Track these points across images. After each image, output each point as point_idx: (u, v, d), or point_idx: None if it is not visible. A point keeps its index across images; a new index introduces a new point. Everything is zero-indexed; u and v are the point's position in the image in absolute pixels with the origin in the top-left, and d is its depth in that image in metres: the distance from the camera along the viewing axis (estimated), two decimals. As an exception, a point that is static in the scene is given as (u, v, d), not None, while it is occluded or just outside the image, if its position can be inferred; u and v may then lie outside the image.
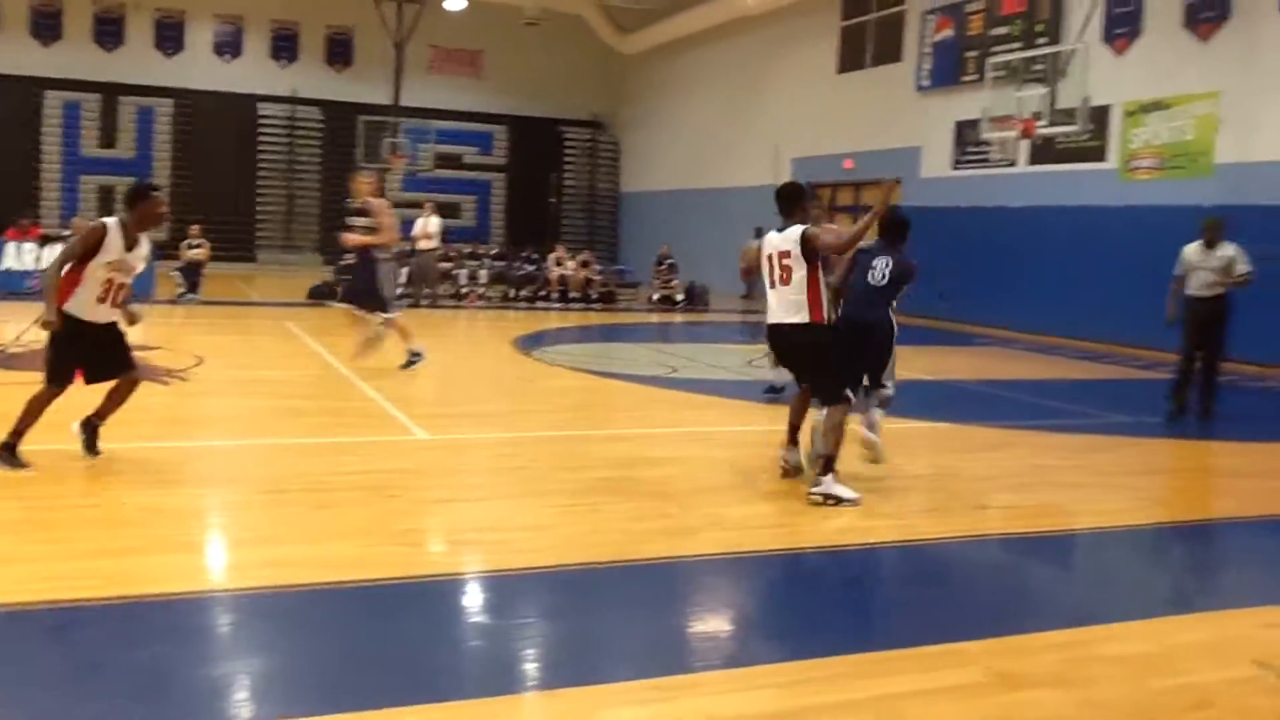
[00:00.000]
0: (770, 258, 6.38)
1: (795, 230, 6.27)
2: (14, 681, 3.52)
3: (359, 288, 10.51)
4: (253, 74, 28.69)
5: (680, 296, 21.36)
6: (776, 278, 6.35)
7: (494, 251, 24.83)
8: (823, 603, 4.86)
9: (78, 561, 4.68)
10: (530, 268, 21.97)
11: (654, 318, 19.25)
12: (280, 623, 4.24)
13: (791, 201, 6.43)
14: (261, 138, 28.82)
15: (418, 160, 26.43)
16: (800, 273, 6.22)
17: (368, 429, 8.10)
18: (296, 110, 28.98)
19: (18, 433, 6.11)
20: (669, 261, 21.87)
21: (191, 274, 17.66)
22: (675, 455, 7.48)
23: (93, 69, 27.36)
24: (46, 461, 6.17)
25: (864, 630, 4.54)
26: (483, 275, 21.49)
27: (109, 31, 27.87)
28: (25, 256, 17.12)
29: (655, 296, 21.50)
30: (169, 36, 28.34)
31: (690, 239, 24.66)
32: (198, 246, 17.91)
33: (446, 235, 20.99)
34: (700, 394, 9.38)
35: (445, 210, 25.39)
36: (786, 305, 6.32)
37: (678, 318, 19.98)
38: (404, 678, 3.69)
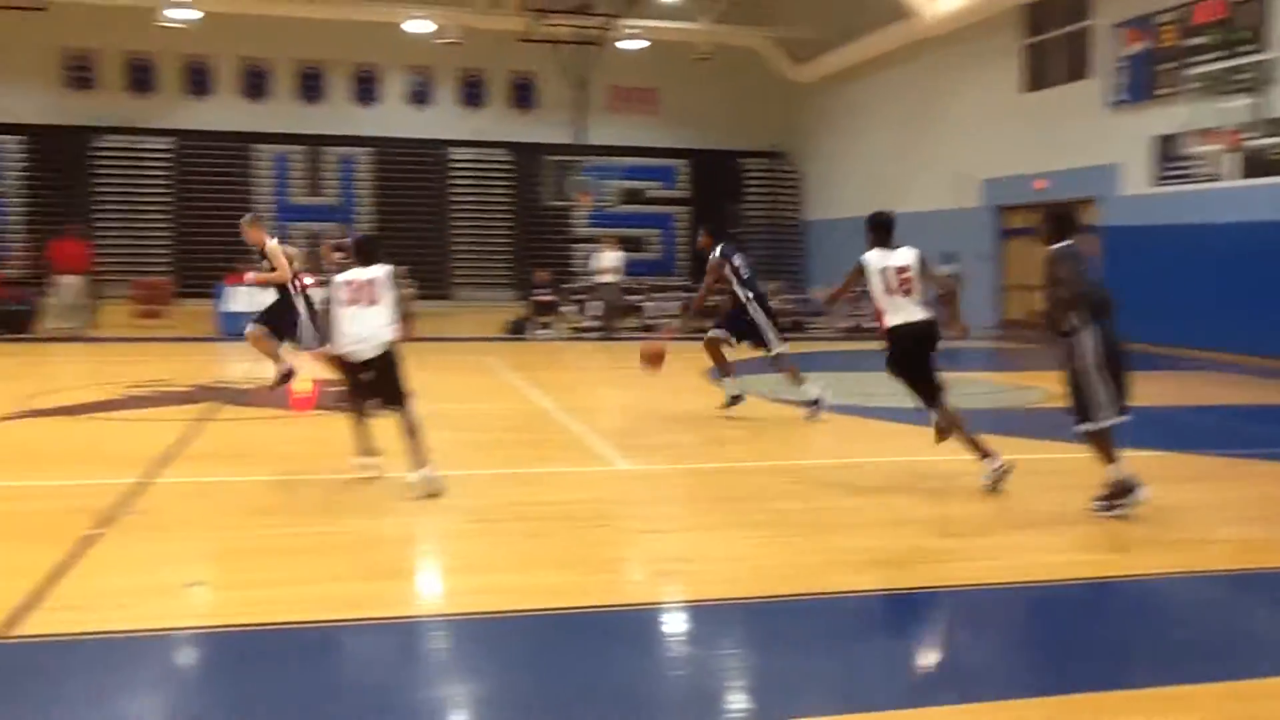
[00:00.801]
0: (885, 272, 7.45)
1: (910, 251, 7.52)
2: (260, 699, 3.78)
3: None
4: (443, 120, 29.94)
5: (869, 324, 21.03)
6: (898, 288, 7.39)
7: (679, 283, 25.10)
8: (1038, 640, 4.72)
9: (306, 587, 4.97)
10: (717, 299, 22.04)
11: (844, 346, 19.06)
12: (494, 648, 4.39)
13: (891, 228, 7.70)
14: (452, 180, 29.99)
15: (602, 196, 27.05)
16: (920, 284, 7.42)
17: (569, 460, 8.32)
18: (484, 153, 30.07)
19: None
20: (856, 289, 21.59)
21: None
22: (876, 485, 7.40)
23: (298, 122, 29.10)
24: (289, 492, 6.59)
25: (1083, 670, 4.38)
26: (666, 307, 21.74)
27: (311, 87, 29.59)
28: (246, 299, 18.33)
29: (845, 325, 21.28)
30: (365, 89, 29.88)
31: (874, 266, 24.35)
32: (401, 287, 18.78)
33: (627, 269, 21.42)
34: (899, 423, 9.25)
35: (629, 244, 25.87)
36: (916, 307, 7.38)
37: (869, 345, 19.72)
38: (613, 707, 3.78)
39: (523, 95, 30.56)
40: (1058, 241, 6.52)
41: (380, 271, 7.20)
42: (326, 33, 28.00)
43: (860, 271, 7.68)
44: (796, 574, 5.32)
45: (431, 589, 5.33)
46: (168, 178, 28.65)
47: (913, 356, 7.35)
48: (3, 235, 26.87)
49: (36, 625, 4.37)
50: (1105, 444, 6.36)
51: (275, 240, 10.17)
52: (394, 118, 29.68)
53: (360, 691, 3.88)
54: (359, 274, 7.20)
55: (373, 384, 7.08)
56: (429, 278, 22.59)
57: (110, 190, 28.28)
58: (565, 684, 3.95)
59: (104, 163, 28.16)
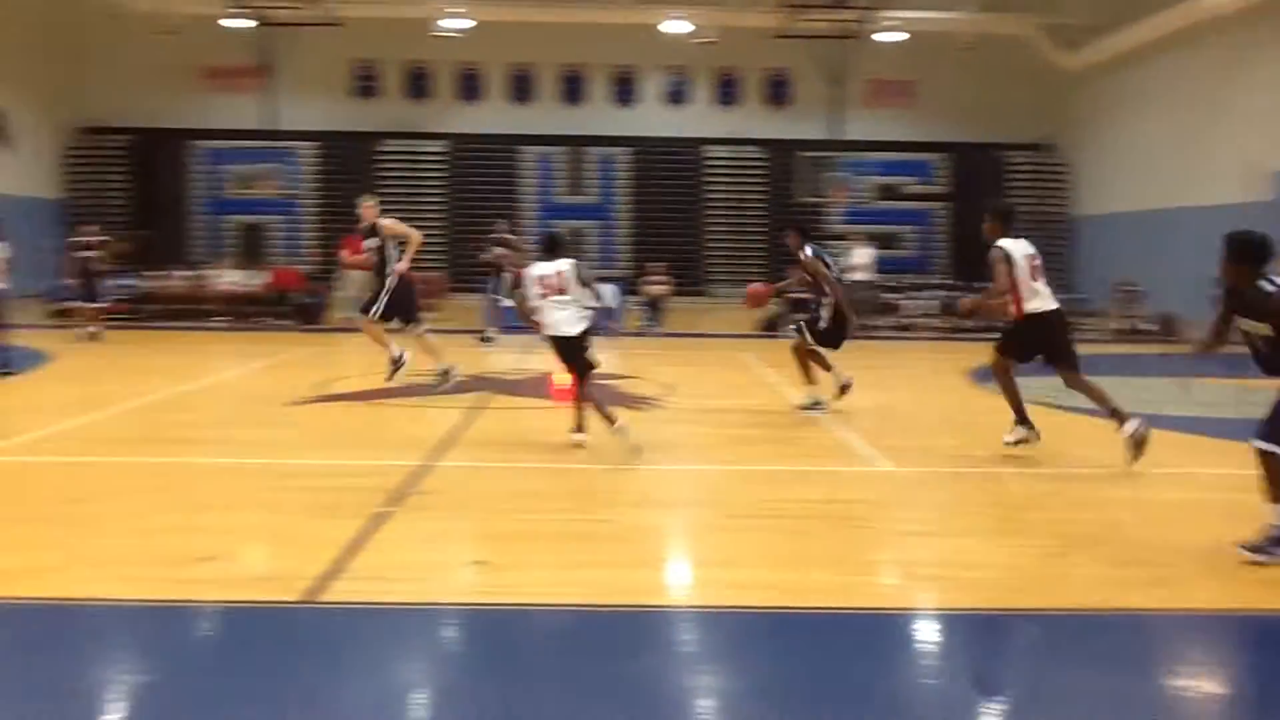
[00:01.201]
0: (1026, 258, 7.84)
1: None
2: (532, 677, 3.99)
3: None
4: (698, 119, 30.33)
5: (1146, 326, 19.89)
6: (1034, 275, 7.84)
7: (937, 281, 24.47)
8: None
9: (565, 571, 5.19)
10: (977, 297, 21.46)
11: (1117, 349, 18.08)
12: (750, 643, 4.45)
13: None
14: (707, 178, 30.33)
15: (857, 193, 26.72)
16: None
17: (830, 459, 8.30)
18: (739, 150, 30.25)
19: None
20: (1130, 289, 20.48)
21: (654, 308, 19.01)
22: (1153, 498, 7.01)
23: (560, 124, 30.20)
24: (558, 480, 6.89)
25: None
26: (924, 306, 21.25)
27: (573, 90, 30.63)
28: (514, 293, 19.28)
29: (1118, 326, 20.18)
30: (624, 90, 30.66)
31: (1152, 263, 22.93)
32: (658, 283, 19.24)
33: (880, 267, 21.07)
34: (1176, 431, 8.71)
35: (884, 241, 25.44)
36: (1048, 294, 7.88)
37: (1144, 348, 18.63)
38: (864, 709, 3.77)
39: (777, 92, 30.53)
40: None
41: (566, 265, 8.11)
42: (587, 36, 28.91)
43: (1008, 260, 7.79)
44: (1064, 587, 5.13)
45: (691, 581, 5.45)
46: (442, 178, 30.35)
47: (1043, 344, 7.91)
48: (297, 234, 29.25)
49: (339, 593, 4.77)
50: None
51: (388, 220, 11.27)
52: (651, 117, 30.31)
53: (619, 678, 4.03)
54: (547, 268, 8.12)
55: (573, 361, 8.09)
56: (685, 274, 22.92)
57: (391, 191, 30.23)
58: (820, 683, 3.98)
59: (386, 166, 30.11)
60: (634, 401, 10.49)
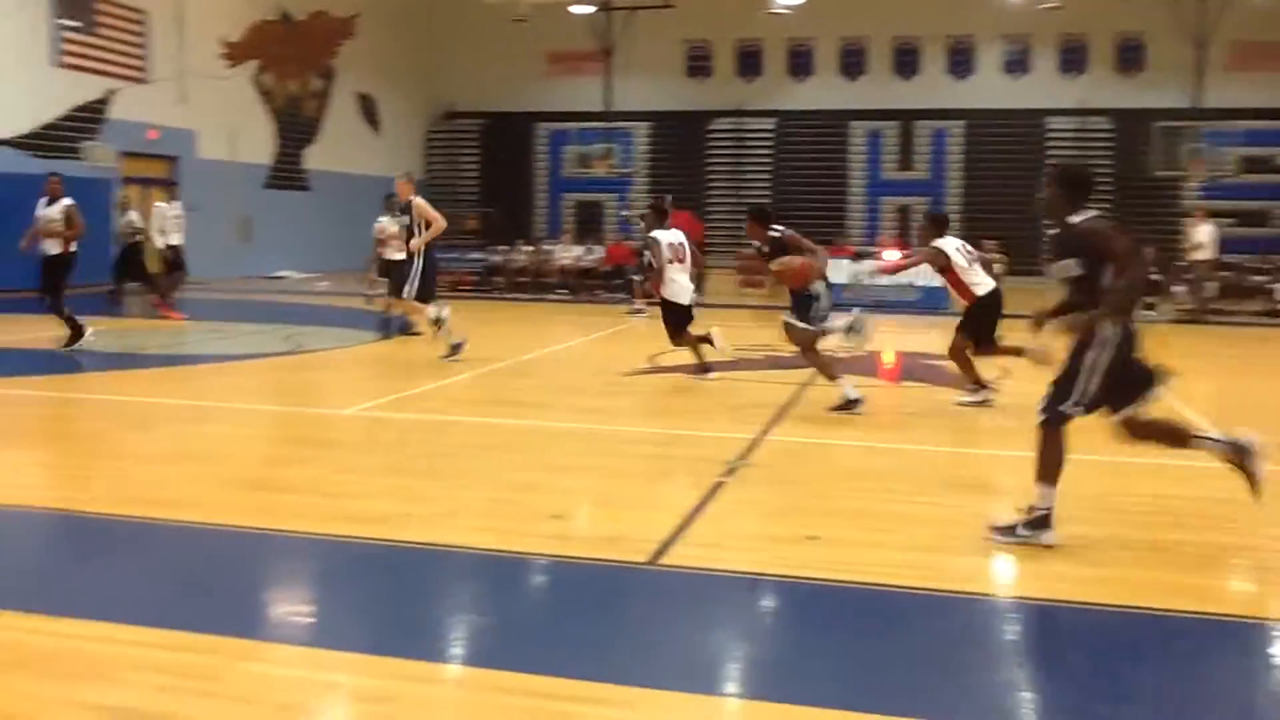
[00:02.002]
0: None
1: None
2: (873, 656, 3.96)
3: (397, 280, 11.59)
4: (1040, 88, 28.80)
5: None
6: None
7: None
8: None
9: (897, 552, 5.09)
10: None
11: None
12: (1093, 643, 4.21)
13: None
14: (1050, 150, 28.78)
15: (1219, 166, 24.49)
16: None
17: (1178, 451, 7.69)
18: (1086, 121, 28.47)
19: None
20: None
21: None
22: None
23: (891, 98, 29.58)
24: (892, 458, 6.81)
25: None
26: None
27: (906, 63, 29.87)
28: (843, 271, 19.18)
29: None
30: (960, 61, 29.57)
31: None
32: (991, 261, 18.50)
33: (1244, 247, 19.21)
34: None
35: (1251, 218, 23.25)
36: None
37: None
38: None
39: (1128, 57, 28.52)
40: None
41: (680, 235, 10.03)
42: (922, 6, 28.10)
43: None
44: None
45: (1028, 573, 5.21)
46: (769, 156, 30.52)
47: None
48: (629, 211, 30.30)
49: (679, 557, 4.93)
50: None
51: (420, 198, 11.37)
52: (988, 88, 29.11)
53: (967, 667, 3.93)
54: (674, 235, 9.91)
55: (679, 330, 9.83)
56: (1022, 252, 21.86)
57: (719, 169, 30.73)
58: (1175, 690, 3.71)
59: (715, 144, 30.64)
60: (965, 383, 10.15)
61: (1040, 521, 5.14)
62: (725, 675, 3.89)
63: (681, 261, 9.88)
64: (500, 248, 22.54)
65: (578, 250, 22.11)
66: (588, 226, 28.34)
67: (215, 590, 4.55)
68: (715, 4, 28.60)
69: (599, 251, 22.03)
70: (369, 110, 30.50)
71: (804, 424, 8.30)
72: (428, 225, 11.10)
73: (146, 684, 3.47)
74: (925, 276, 18.12)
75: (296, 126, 27.46)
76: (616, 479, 6.43)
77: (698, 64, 31.04)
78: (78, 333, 11.45)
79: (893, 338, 15.37)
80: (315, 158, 28.06)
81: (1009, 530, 5.19)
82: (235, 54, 25.08)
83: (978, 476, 6.79)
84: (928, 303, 18.57)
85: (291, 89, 27.21)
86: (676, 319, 9.93)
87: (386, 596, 4.49)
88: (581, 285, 21.30)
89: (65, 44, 20.51)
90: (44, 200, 11.55)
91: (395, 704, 3.44)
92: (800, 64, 30.59)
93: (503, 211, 28.59)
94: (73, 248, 11.47)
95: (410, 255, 11.25)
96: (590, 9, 28.27)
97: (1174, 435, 5.42)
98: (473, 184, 32.20)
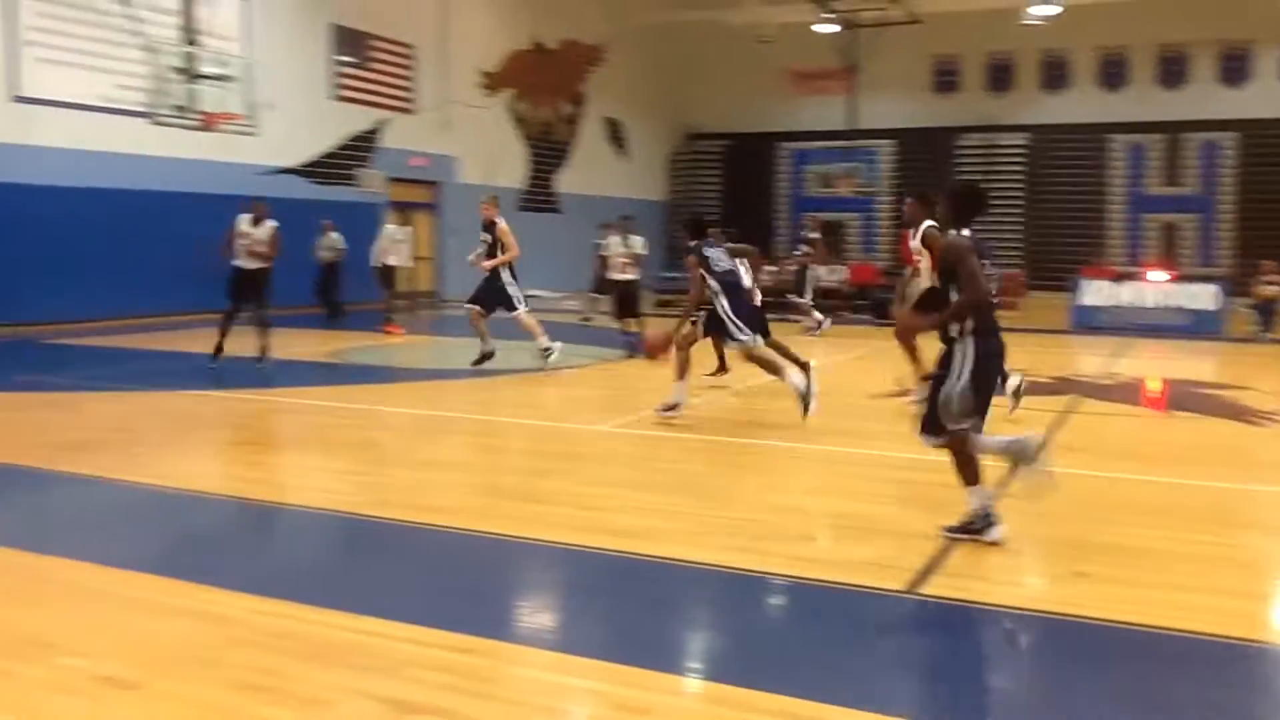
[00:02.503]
0: None
1: None
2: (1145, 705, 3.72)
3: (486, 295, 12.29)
4: (1327, 96, 26.57)
5: None
6: None
7: None
8: None
9: (1174, 593, 4.77)
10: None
11: None
12: None
13: None
14: (1336, 164, 26.52)
15: None
16: None
17: None
18: (1378, 131, 26.07)
19: None
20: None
21: (1266, 311, 17.05)
22: None
23: (1156, 109, 27.94)
24: (1165, 493, 6.43)
25: None
26: None
27: (1172, 72, 28.17)
28: (1101, 293, 18.27)
29: None
30: (1233, 68, 27.63)
31: None
32: (1271, 283, 17.20)
33: None
34: None
35: None
36: None
37: None
38: None
39: None
40: None
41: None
42: (1190, 12, 26.45)
43: None
44: None
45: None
46: (1020, 172, 29.41)
47: None
48: (873, 230, 29.86)
49: (938, 587, 4.79)
50: None
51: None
52: (1267, 97, 27.05)
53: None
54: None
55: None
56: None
57: (967, 186, 29.90)
58: None
59: (963, 160, 29.79)
60: (1243, 414, 9.46)
61: (985, 521, 5.38)
62: (990, 713, 3.76)
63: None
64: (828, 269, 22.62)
65: (821, 270, 21.91)
66: (831, 246, 28.08)
67: (482, 594, 4.76)
68: (964, 18, 27.83)
69: (843, 271, 21.79)
70: (616, 134, 31.34)
71: (1066, 453, 7.92)
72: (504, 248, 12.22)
73: (428, 681, 3.67)
74: (1198, 299, 17.05)
75: (548, 151, 28.52)
76: (869, 503, 6.33)
77: (945, 79, 30.29)
78: (266, 348, 12.20)
79: (1161, 363, 14.50)
80: (566, 181, 29.04)
81: (960, 530, 5.41)
82: (493, 83, 26.31)
83: (1258, 514, 6.29)
84: (1198, 326, 17.44)
85: (544, 115, 28.29)
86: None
87: (640, 609, 4.58)
88: (825, 306, 21.10)
89: (341, 79, 22.08)
90: (247, 218, 12.29)
91: (653, 717, 3.50)
92: (1055, 76, 29.36)
93: (744, 232, 28.72)
94: (266, 265, 12.25)
95: (494, 272, 12.26)
96: (835, 27, 28.09)
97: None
98: (713, 205, 32.51)
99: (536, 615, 4.69)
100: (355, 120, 22.44)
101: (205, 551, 5.54)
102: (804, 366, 9.09)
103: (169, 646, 3.98)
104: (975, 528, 5.40)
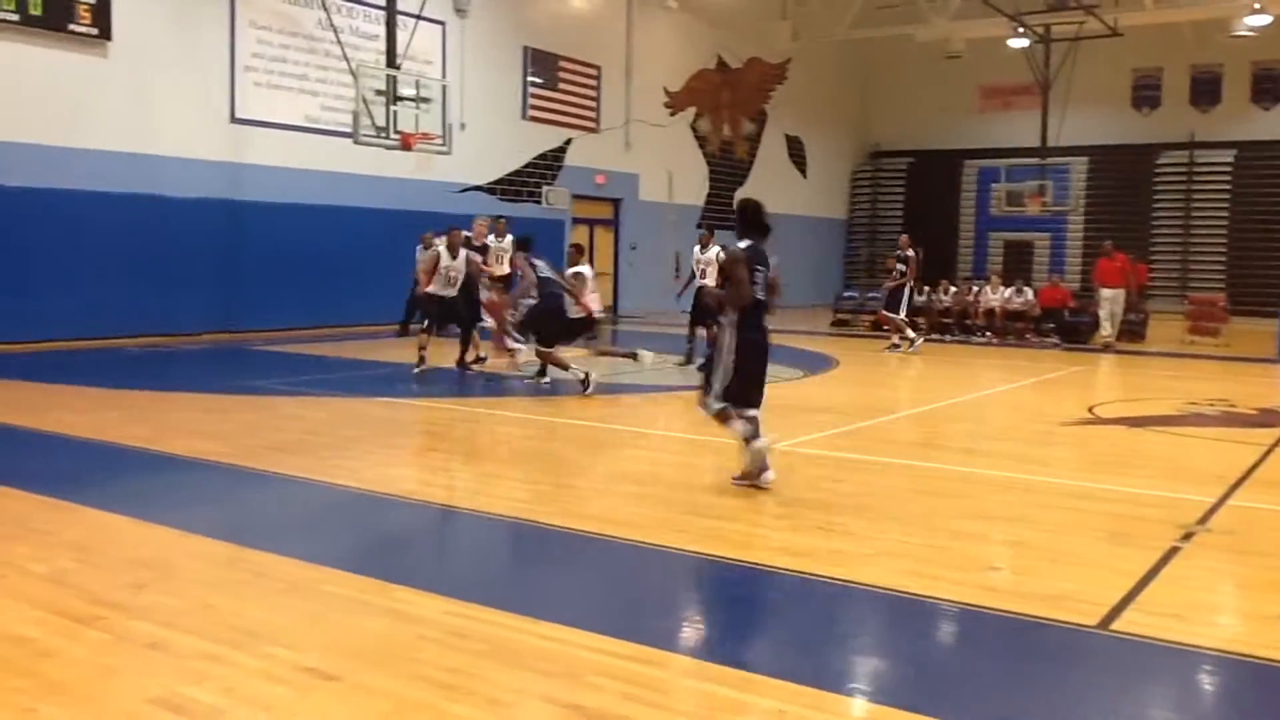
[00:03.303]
0: None
1: None
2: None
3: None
4: None
5: None
6: None
7: None
8: None
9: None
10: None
11: None
12: None
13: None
14: None
15: None
16: None
17: None
18: None
19: None
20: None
21: None
22: None
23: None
24: None
25: None
26: None
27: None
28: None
29: None
30: None
31: None
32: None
33: None
34: None
35: None
36: None
37: None
38: None
39: None
40: None
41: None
42: None
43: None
44: None
45: None
46: (1225, 192, 27.93)
47: None
48: (1063, 251, 28.81)
49: (1133, 624, 4.60)
50: None
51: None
52: None
53: None
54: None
55: None
56: None
57: (1167, 207, 28.51)
58: None
59: (1163, 179, 28.49)
60: None
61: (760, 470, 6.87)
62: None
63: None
64: (925, 288, 22.19)
65: (1006, 292, 21.31)
66: (1017, 267, 27.28)
67: (660, 606, 4.84)
68: (1168, 30, 26.61)
69: (1029, 294, 21.11)
70: (796, 152, 31.23)
71: (1273, 489, 7.50)
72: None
73: (608, 689, 3.75)
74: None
75: (728, 169, 28.64)
76: (1057, 534, 6.12)
77: (1145, 94, 29.03)
78: (475, 359, 13.32)
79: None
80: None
81: (741, 478, 6.92)
82: (676, 102, 26.61)
83: None
84: None
85: (725, 133, 28.44)
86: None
87: (818, 630, 4.56)
88: (1010, 329, 20.51)
89: (533, 99, 22.75)
90: (443, 246, 12.79)
91: (835, 739, 3.49)
92: (1265, 90, 27.77)
93: (926, 251, 28.17)
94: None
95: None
96: (1027, 41, 27.26)
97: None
98: (894, 223, 32.00)
99: (714, 630, 4.72)
100: (543, 139, 23.06)
101: (399, 553, 5.81)
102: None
103: (366, 641, 4.19)
104: (752, 477, 6.87)
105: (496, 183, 21.93)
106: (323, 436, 8.79)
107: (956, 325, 21.04)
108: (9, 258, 14.59)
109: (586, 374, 11.30)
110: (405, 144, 16.73)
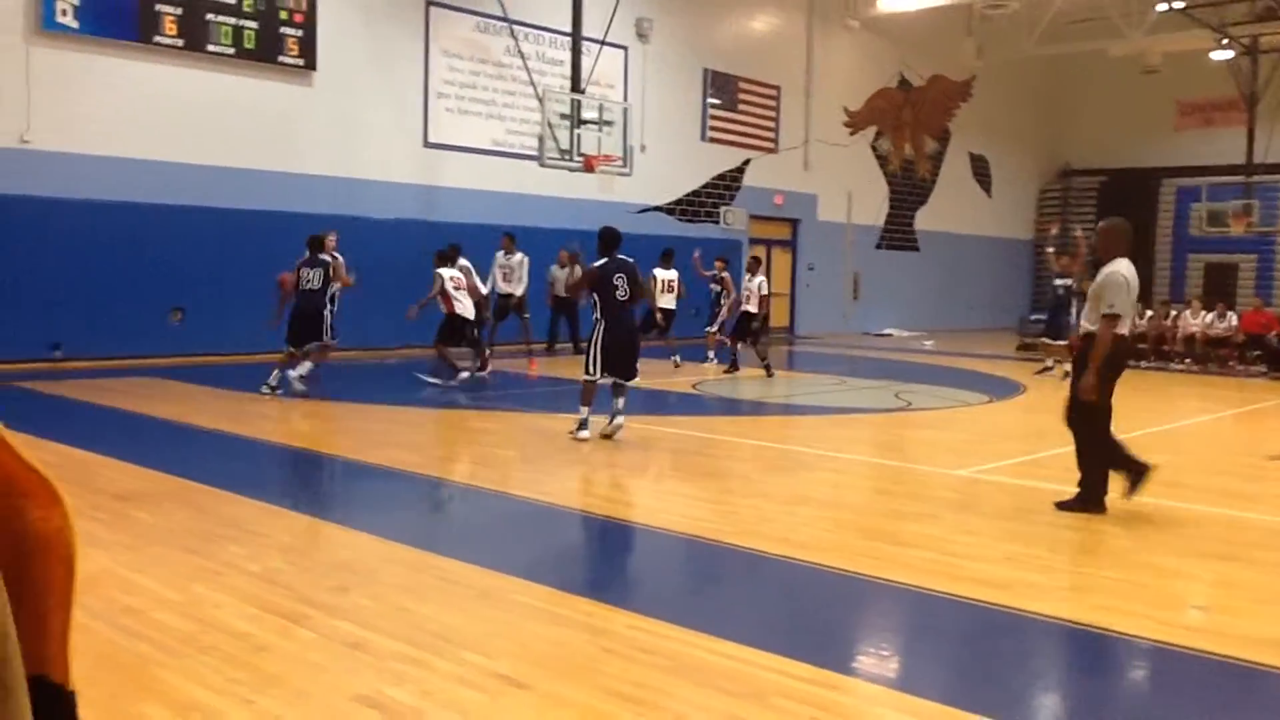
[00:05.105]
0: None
1: None
2: None
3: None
4: None
5: None
6: None
7: None
8: None
9: None
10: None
11: None
12: None
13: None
14: None
15: None
16: None
17: None
18: None
19: None
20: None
21: None
22: None
23: None
24: None
25: None
26: None
27: None
28: None
29: None
30: None
31: None
32: None
33: None
34: None
35: None
36: None
37: None
38: None
39: None
40: None
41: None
42: None
43: None
44: None
45: None
46: None
47: None
48: (1270, 275, 27.17)
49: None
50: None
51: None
52: None
53: None
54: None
55: None
56: None
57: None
58: None
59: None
60: None
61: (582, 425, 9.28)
62: None
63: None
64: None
65: (1208, 316, 20.22)
66: (1219, 290, 25.85)
67: (842, 631, 4.79)
68: None
69: (1232, 318, 19.98)
70: (981, 171, 30.45)
71: None
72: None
73: (792, 712, 3.74)
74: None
75: (909, 188, 28.15)
76: (1271, 573, 5.78)
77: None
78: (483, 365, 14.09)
79: None
80: (925, 218, 28.55)
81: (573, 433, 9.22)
82: (856, 121, 26.34)
83: None
84: None
85: (906, 153, 27.97)
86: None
87: (1013, 664, 4.44)
88: (1211, 355, 19.45)
89: (712, 120, 22.91)
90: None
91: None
92: None
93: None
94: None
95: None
96: (1231, 53, 25.89)
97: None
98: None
99: (899, 658, 4.65)
100: (721, 160, 23.19)
101: (582, 565, 5.93)
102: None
103: (553, 651, 4.29)
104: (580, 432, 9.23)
105: (675, 203, 22.15)
106: (508, 450, 9.05)
107: (1152, 351, 20.07)
108: (220, 272, 15.57)
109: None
110: (588, 166, 17.08)
